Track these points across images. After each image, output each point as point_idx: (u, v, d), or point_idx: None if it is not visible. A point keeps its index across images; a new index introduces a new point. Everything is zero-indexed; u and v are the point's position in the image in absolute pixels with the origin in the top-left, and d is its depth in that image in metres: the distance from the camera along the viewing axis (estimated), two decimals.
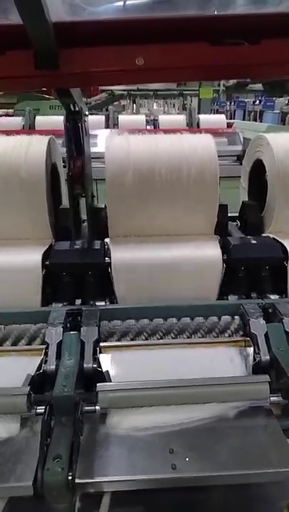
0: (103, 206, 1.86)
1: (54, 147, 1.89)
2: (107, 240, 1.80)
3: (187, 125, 7.68)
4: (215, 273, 1.66)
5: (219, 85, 14.93)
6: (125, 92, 14.39)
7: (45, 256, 1.64)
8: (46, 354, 1.38)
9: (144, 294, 1.63)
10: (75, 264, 1.61)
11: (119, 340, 1.48)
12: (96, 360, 1.37)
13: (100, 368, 1.35)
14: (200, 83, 12.38)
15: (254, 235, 1.90)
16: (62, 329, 1.42)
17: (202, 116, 7.53)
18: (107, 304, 1.63)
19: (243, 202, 2.18)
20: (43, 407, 1.14)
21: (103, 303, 1.64)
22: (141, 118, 7.37)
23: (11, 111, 8.82)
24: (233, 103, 16.21)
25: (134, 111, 13.46)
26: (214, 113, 12.36)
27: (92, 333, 1.42)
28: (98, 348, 1.41)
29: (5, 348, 1.43)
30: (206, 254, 1.68)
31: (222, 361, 1.36)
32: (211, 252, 1.70)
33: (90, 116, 6.49)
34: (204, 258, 1.68)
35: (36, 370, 1.33)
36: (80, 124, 1.70)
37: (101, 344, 1.45)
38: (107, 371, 1.33)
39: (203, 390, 1.23)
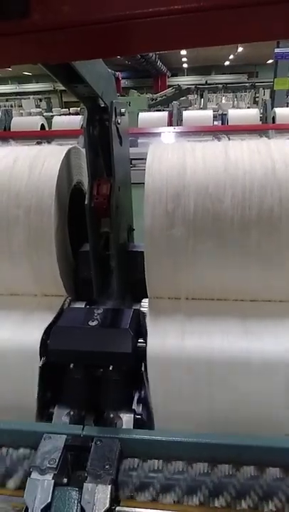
0: (142, 249, 1.23)
1: (77, 160, 1.31)
2: (144, 302, 1.18)
3: (261, 120, 6.81)
4: None
5: None
6: (193, 85, 13.67)
7: (48, 333, 1.06)
8: None
9: (200, 412, 0.99)
10: (86, 353, 1.01)
11: (154, 500, 0.87)
12: None
13: None
14: (275, 73, 11.23)
15: None
16: (53, 482, 0.84)
17: (279, 110, 6.58)
18: (137, 424, 1.01)
19: None
20: None
21: (130, 416, 1.03)
22: (207, 113, 6.63)
23: None
24: None
25: (202, 106, 12.71)
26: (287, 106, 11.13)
27: (102, 498, 0.82)
28: None
29: None
30: None
31: None
32: None
33: (151, 113, 5.90)
34: None
35: None
36: (110, 129, 1.10)
37: (118, 509, 0.85)
38: None
39: None
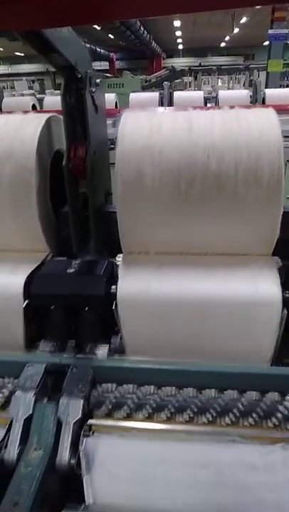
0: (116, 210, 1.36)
1: (59, 129, 1.42)
2: (118, 257, 1.31)
3: (251, 101, 6.85)
4: (270, 321, 1.12)
5: None
6: (186, 67, 13.56)
7: (31, 280, 1.20)
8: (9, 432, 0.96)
9: (164, 345, 1.14)
10: (64, 295, 1.15)
11: (120, 416, 1.02)
12: (76, 454, 0.93)
13: (80, 467, 0.91)
14: (269, 55, 11.20)
15: None
16: (34, 398, 0.98)
17: (268, 91, 6.62)
18: (110, 352, 1.16)
19: None
20: None
21: (105, 348, 1.18)
22: (198, 94, 6.65)
23: None
24: None
25: (196, 88, 12.64)
26: (284, 88, 11.11)
27: (75, 410, 0.96)
28: (82, 432, 0.96)
29: None
30: (259, 291, 1.13)
31: None
32: (264, 286, 1.15)
33: (142, 94, 5.85)
34: (254, 297, 1.13)
35: None
36: (85, 98, 1.21)
37: (90, 422, 1.00)
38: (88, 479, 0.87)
39: None
